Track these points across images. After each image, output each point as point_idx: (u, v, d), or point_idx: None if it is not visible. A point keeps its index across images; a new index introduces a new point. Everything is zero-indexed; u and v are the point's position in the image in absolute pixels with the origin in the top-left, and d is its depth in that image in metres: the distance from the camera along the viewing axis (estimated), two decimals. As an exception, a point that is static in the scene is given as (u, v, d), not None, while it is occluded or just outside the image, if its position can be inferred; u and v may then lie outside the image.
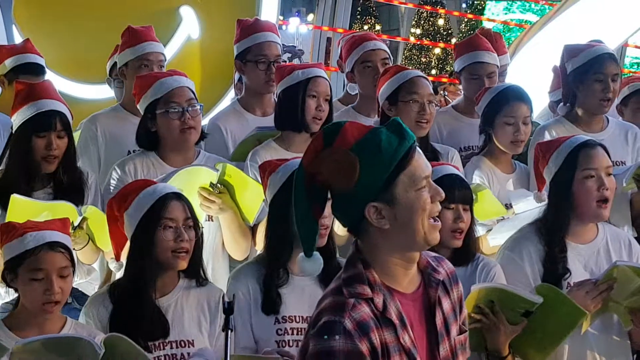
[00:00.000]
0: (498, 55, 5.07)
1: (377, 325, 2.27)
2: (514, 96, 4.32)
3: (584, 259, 3.56)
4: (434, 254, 2.51)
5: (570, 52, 4.48)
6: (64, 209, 3.68)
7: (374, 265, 2.32)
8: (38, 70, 5.03)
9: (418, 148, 2.35)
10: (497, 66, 4.89)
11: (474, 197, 3.77)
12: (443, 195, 2.36)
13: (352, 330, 2.23)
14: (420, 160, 2.33)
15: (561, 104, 4.59)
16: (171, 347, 3.24)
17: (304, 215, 2.33)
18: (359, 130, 2.32)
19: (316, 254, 2.38)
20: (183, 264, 3.28)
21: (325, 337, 2.22)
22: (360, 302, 2.27)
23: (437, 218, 2.36)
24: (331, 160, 2.29)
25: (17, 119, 3.94)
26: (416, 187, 2.30)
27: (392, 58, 4.98)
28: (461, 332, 2.47)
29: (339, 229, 3.90)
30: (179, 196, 3.32)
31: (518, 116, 4.26)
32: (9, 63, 5.01)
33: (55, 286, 3.12)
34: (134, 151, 4.23)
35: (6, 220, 3.43)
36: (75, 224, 3.72)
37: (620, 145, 4.45)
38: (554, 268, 3.50)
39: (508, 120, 4.26)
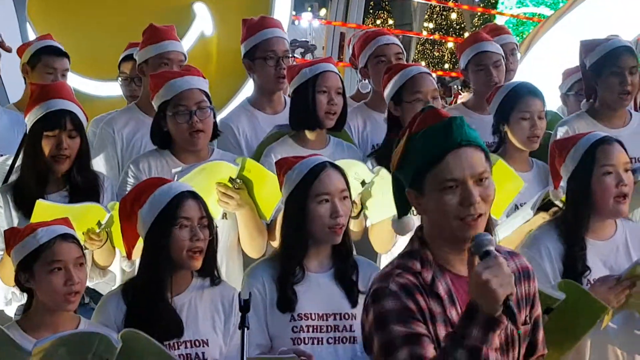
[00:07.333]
0: (503, 35, 5.16)
1: (421, 293, 2.41)
2: (528, 91, 4.29)
3: (604, 255, 3.53)
4: (508, 248, 2.64)
5: (587, 47, 4.47)
6: (91, 209, 3.68)
7: (432, 242, 2.47)
8: (59, 51, 5.00)
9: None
10: (502, 56, 4.88)
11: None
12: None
13: (398, 291, 2.39)
14: None
15: (583, 100, 4.57)
16: (185, 347, 3.22)
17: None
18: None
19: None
20: (197, 264, 3.26)
21: (376, 302, 2.39)
22: (406, 273, 2.42)
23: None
24: None
25: (29, 120, 3.92)
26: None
27: (405, 53, 4.96)
28: (524, 323, 2.55)
29: (355, 226, 3.90)
30: (194, 195, 3.30)
31: (533, 111, 4.23)
32: (30, 49, 5.01)
33: (74, 276, 3.13)
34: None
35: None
36: (103, 222, 3.70)
37: None
38: (574, 265, 3.48)
39: (524, 115, 4.22)
